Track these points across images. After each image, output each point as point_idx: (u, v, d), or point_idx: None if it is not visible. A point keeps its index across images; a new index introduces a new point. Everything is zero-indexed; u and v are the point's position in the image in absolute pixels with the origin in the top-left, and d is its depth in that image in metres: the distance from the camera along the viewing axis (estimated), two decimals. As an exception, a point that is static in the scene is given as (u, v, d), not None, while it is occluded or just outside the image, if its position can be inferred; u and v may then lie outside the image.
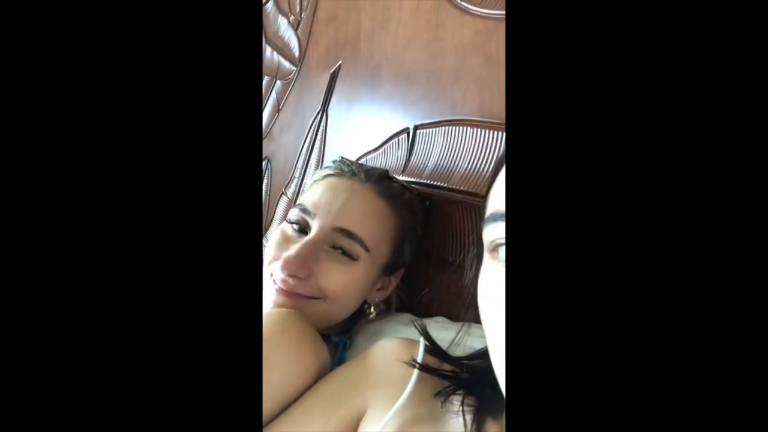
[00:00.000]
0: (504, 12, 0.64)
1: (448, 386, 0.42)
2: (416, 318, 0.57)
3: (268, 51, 1.00)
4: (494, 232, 0.32)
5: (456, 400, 0.41)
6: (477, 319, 0.35)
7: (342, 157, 0.67)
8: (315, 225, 0.56)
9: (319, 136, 0.88)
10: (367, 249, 0.56)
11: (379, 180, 0.60)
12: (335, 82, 0.87)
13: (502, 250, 0.32)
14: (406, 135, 0.74)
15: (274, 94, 0.99)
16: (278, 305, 0.54)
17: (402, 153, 0.74)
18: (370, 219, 0.57)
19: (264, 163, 0.98)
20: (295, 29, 0.96)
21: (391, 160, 0.75)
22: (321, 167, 0.84)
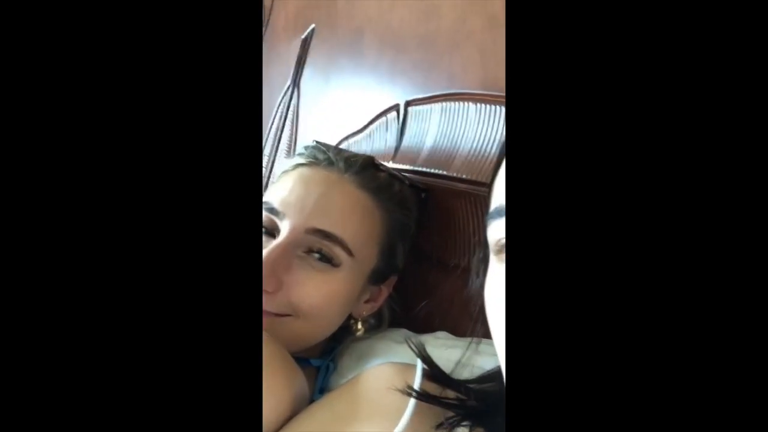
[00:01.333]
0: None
1: (452, 416, 0.40)
2: (413, 335, 0.55)
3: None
4: (500, 230, 0.31)
5: None
6: (487, 334, 0.35)
7: (317, 142, 0.63)
8: (285, 226, 0.53)
9: (289, 117, 0.87)
10: (350, 253, 0.53)
11: (361, 169, 0.57)
12: (308, 51, 0.85)
13: None
14: (395, 113, 0.70)
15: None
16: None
17: (391, 135, 0.70)
18: (351, 217, 0.55)
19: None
20: (260, -12, 0.97)
21: (378, 143, 0.72)
22: (292, 154, 0.83)
